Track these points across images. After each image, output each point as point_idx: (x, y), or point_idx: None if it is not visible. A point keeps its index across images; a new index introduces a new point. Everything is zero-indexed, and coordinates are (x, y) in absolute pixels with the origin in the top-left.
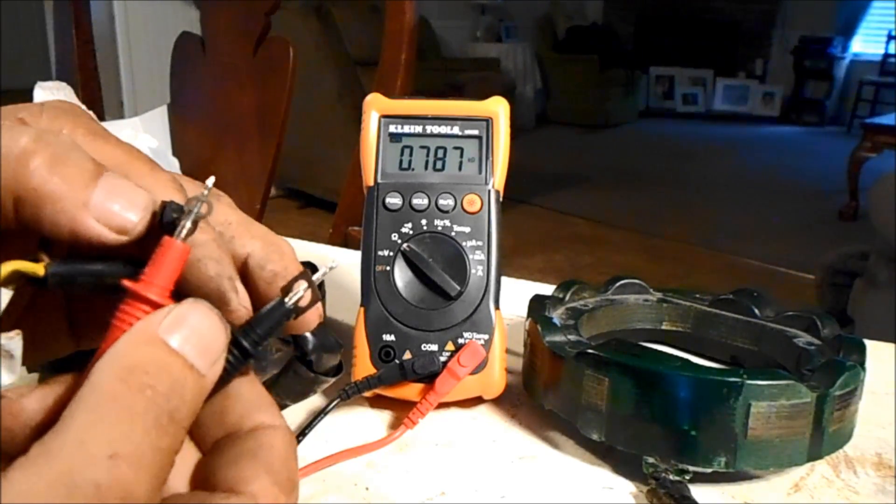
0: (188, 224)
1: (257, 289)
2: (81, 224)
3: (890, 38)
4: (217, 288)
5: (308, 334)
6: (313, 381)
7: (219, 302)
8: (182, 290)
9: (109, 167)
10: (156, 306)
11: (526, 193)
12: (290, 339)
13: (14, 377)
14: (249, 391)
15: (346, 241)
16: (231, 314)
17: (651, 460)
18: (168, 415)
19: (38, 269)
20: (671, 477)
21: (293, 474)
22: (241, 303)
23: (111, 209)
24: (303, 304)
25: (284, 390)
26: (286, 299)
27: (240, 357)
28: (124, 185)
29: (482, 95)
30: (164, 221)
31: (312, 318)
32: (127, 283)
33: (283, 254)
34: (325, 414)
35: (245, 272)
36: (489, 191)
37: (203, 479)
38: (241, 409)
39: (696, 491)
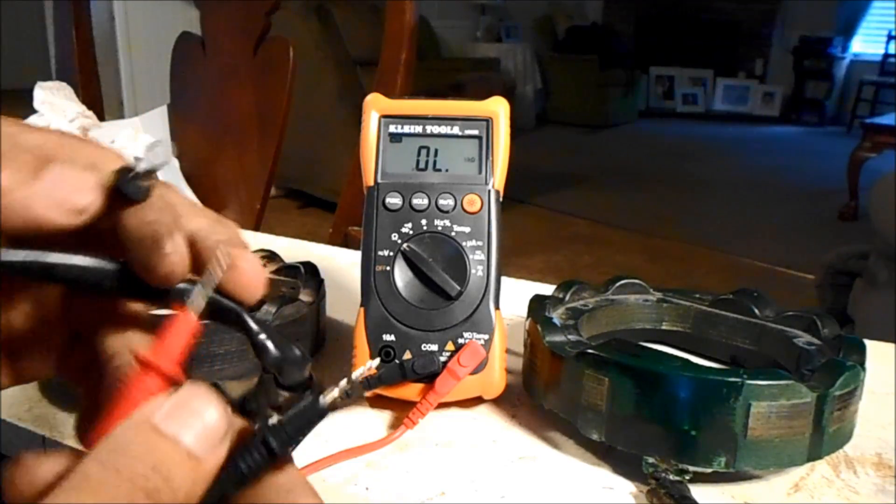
0: (200, 299)
1: (203, 258)
2: (35, 213)
3: (890, 38)
4: (153, 232)
5: (269, 345)
6: (283, 395)
7: (153, 246)
8: (120, 237)
9: (51, 152)
10: (165, 377)
11: (526, 193)
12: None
13: None
14: (285, 478)
15: (346, 241)
16: (164, 258)
17: (651, 460)
18: (145, 493)
19: None
20: (671, 477)
21: None
22: (177, 250)
23: (62, 195)
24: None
25: (259, 403)
26: (321, 397)
27: (266, 457)
28: (68, 170)
29: (482, 95)
30: (123, 188)
31: (252, 284)
32: (140, 355)
33: (229, 227)
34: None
35: (191, 245)
36: (489, 191)
37: None
38: (273, 494)
39: (696, 491)
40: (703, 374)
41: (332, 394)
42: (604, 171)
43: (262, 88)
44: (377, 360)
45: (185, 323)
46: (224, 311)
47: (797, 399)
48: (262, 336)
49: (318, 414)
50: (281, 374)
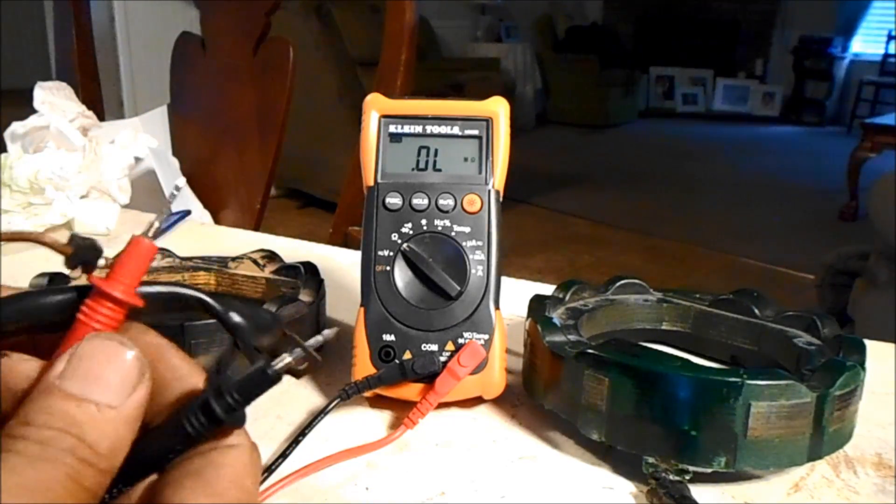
0: (288, 358)
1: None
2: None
3: (890, 38)
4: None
5: (234, 314)
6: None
7: None
8: None
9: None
10: (119, 303)
11: (526, 193)
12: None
13: None
14: (222, 450)
15: (346, 241)
16: None
17: (651, 460)
18: (68, 455)
19: None
20: (671, 477)
21: (247, 495)
22: None
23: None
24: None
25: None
26: (273, 364)
27: (206, 424)
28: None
29: (482, 95)
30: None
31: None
32: (94, 279)
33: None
34: (325, 414)
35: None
36: (489, 191)
37: (148, 501)
38: (205, 463)
39: (696, 491)
40: (703, 374)
41: (284, 360)
42: (604, 171)
43: (262, 88)
44: (334, 330)
45: (143, 249)
46: (187, 301)
47: (797, 399)
48: (232, 314)
49: (269, 380)
50: (256, 343)
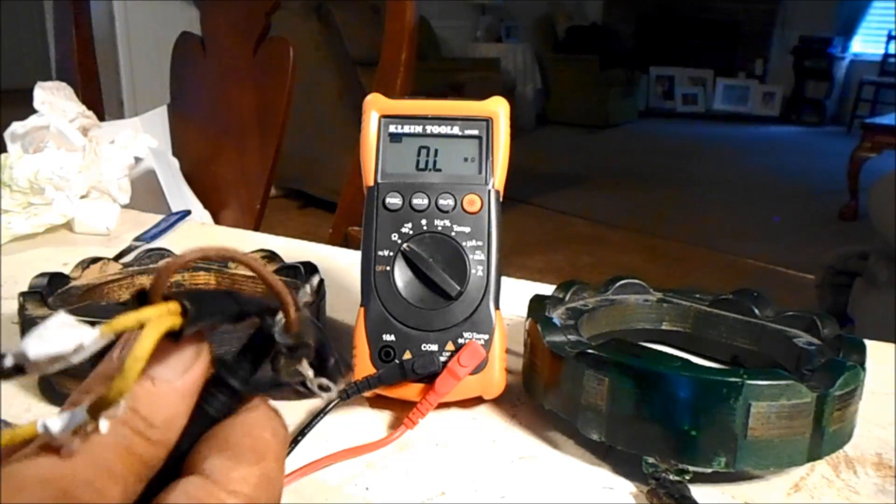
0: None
1: None
2: None
3: (890, 38)
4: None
5: (305, 364)
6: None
7: None
8: None
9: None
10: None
11: (526, 193)
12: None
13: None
14: (246, 414)
15: (346, 241)
16: None
17: (651, 460)
18: (122, 422)
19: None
20: (671, 477)
21: (264, 444)
22: None
23: None
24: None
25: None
26: (269, 322)
27: (224, 399)
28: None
29: (482, 95)
30: None
31: None
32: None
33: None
34: (325, 414)
35: None
36: (489, 191)
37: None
38: (236, 430)
39: (696, 491)
40: (703, 374)
41: (280, 321)
42: (604, 171)
43: (262, 88)
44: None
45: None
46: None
47: (797, 399)
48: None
49: (270, 340)
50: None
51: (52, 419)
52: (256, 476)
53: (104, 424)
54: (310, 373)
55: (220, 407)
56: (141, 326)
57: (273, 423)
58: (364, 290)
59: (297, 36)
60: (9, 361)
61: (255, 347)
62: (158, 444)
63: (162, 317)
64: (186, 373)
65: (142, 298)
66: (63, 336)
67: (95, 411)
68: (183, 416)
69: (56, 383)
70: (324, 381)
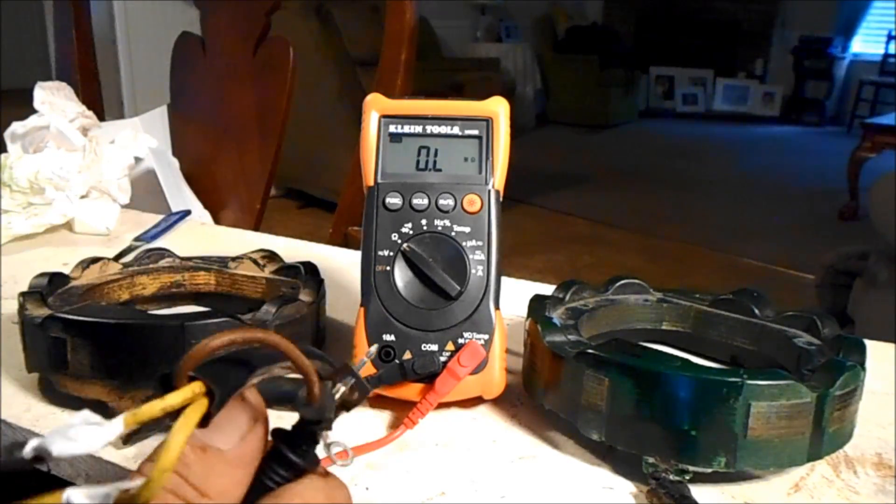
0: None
1: None
2: None
3: (890, 38)
4: None
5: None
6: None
7: None
8: None
9: None
10: None
11: (526, 193)
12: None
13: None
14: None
15: (346, 241)
16: None
17: (651, 460)
18: (170, 492)
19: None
20: (671, 477)
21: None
22: None
23: None
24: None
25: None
26: (300, 397)
27: (285, 473)
28: None
29: (482, 95)
30: None
31: None
32: None
33: None
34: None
35: None
36: (489, 191)
37: None
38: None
39: (696, 491)
40: (703, 374)
41: (340, 391)
42: (604, 171)
43: (262, 88)
44: (374, 347)
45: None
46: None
47: (797, 399)
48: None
49: (325, 420)
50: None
51: (78, 493)
52: None
53: None
54: (327, 445)
55: (279, 480)
56: (166, 415)
57: (330, 491)
58: (364, 290)
59: (297, 36)
60: (28, 452)
61: (313, 423)
62: None
63: (188, 412)
64: (242, 441)
65: (165, 381)
66: (88, 436)
67: (120, 498)
68: (238, 486)
69: (56, 383)
70: (340, 443)
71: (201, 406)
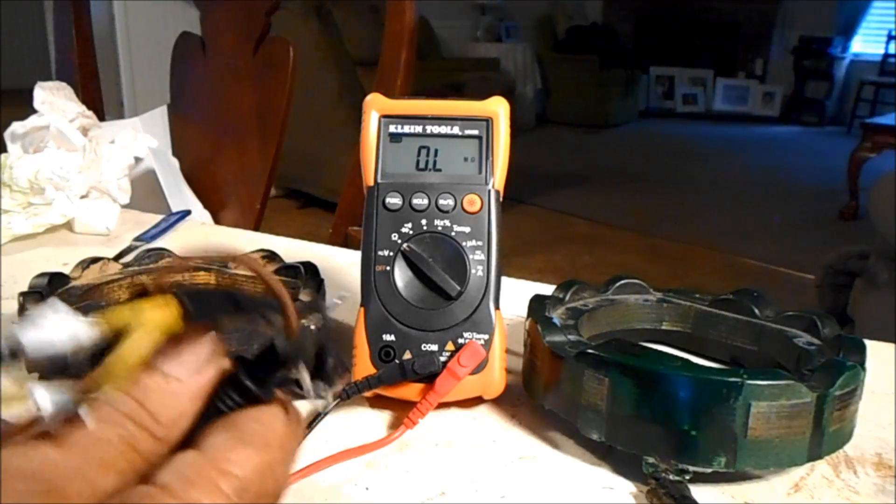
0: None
1: None
2: None
3: (890, 38)
4: None
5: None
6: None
7: None
8: None
9: None
10: None
11: (526, 193)
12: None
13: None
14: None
15: (346, 241)
16: None
17: (651, 460)
18: (127, 415)
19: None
20: (671, 477)
21: (270, 431)
22: None
23: None
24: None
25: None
26: (274, 323)
27: (243, 397)
28: None
29: (482, 95)
30: None
31: None
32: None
33: None
34: (325, 414)
35: None
36: (489, 191)
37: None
38: (244, 420)
39: (696, 491)
40: (703, 374)
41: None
42: (604, 171)
43: (262, 88)
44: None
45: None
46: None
47: (797, 399)
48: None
49: (283, 350)
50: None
51: (42, 392)
52: (256, 462)
53: (83, 411)
54: (307, 378)
55: (233, 406)
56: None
57: (288, 416)
58: (364, 290)
59: (297, 36)
60: (4, 348)
61: (273, 350)
62: (162, 441)
63: (156, 311)
64: (200, 373)
65: (142, 295)
66: (58, 325)
67: (78, 399)
68: (190, 417)
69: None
70: (320, 385)
71: (171, 317)
